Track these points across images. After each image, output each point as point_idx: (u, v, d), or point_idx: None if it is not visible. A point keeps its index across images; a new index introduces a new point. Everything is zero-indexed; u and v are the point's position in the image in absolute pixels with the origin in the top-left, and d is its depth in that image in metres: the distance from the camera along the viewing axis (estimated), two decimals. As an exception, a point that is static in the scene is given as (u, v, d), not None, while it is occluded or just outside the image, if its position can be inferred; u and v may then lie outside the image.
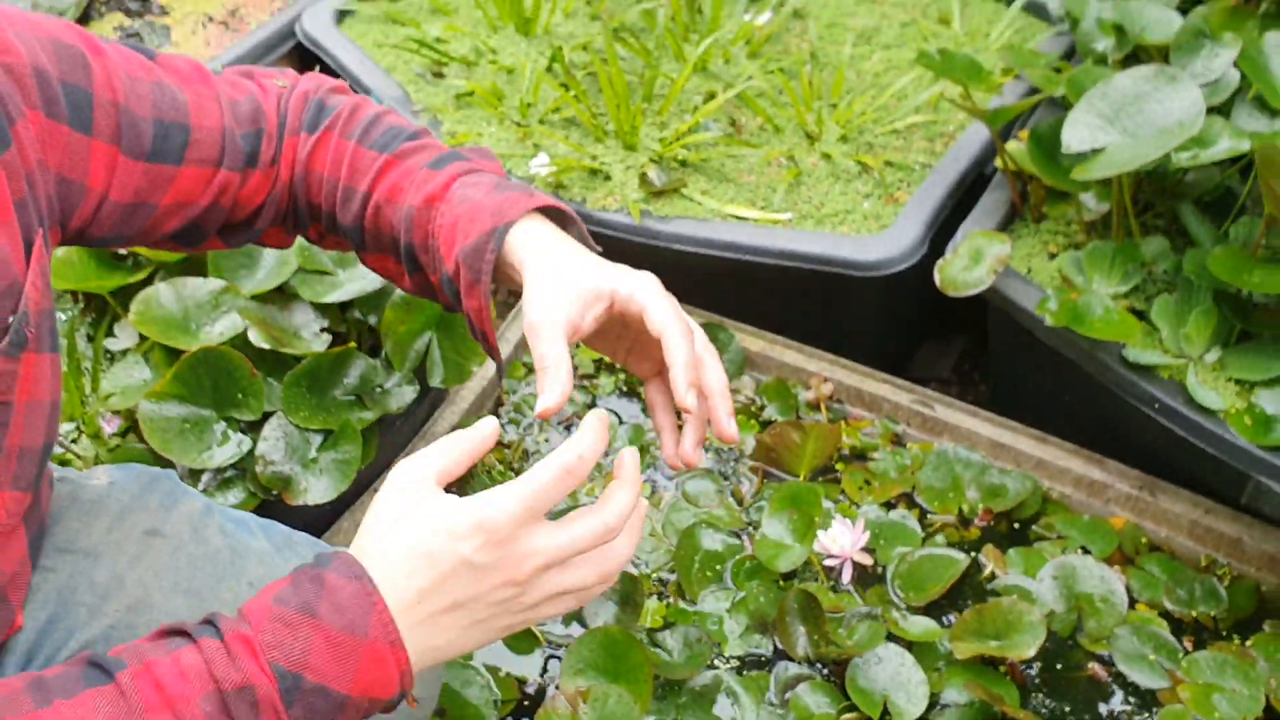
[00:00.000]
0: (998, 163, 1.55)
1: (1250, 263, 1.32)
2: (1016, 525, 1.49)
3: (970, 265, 1.43)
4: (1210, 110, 1.39)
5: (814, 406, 1.59)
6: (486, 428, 0.87)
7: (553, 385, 0.91)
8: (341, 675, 0.80)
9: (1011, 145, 1.54)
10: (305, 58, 1.88)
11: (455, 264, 0.99)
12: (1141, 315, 1.41)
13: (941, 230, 1.54)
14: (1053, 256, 1.49)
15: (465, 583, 0.81)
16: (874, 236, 1.53)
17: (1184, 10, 1.50)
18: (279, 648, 0.79)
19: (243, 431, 1.25)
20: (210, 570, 1.06)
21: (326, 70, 1.81)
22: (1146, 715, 1.31)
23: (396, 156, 1.04)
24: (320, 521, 1.30)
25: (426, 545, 0.81)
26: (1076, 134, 1.33)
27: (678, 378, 0.92)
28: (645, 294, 0.95)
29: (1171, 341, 1.37)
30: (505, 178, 1.05)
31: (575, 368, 1.64)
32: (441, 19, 1.88)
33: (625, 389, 1.63)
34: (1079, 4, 1.57)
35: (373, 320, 1.36)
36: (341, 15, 1.90)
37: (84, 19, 1.91)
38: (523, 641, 1.39)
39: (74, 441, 1.32)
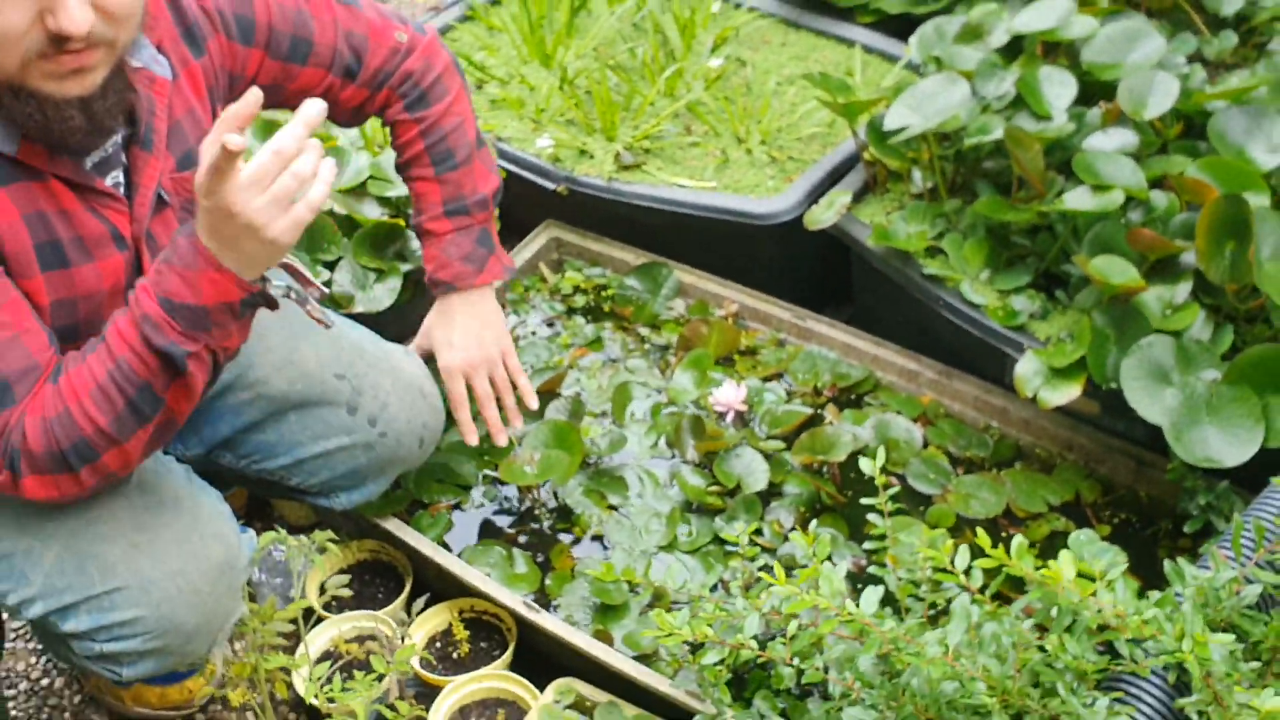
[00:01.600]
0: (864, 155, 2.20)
1: (1006, 206, 1.96)
2: (854, 398, 2.09)
3: (825, 210, 2.08)
4: (1000, 113, 2.04)
5: (724, 320, 2.22)
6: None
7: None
8: (191, 293, 1.28)
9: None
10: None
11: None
12: (941, 251, 2.04)
13: (818, 198, 2.19)
14: (888, 214, 2.13)
15: (218, 219, 1.24)
16: (769, 198, 2.19)
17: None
18: (156, 286, 1.29)
19: (325, 267, 1.91)
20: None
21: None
22: (922, 508, 1.90)
23: (438, 181, 1.74)
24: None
25: (202, 209, 1.27)
26: (892, 118, 2.00)
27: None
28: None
29: (956, 262, 1.99)
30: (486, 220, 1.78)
31: (557, 291, 2.30)
32: (487, 53, 2.59)
33: (593, 304, 2.28)
34: (927, 54, 2.24)
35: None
36: (415, 48, 2.62)
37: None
38: (503, 452, 2.01)
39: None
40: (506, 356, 1.78)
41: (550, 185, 2.29)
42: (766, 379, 2.11)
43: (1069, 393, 1.78)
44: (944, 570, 1.45)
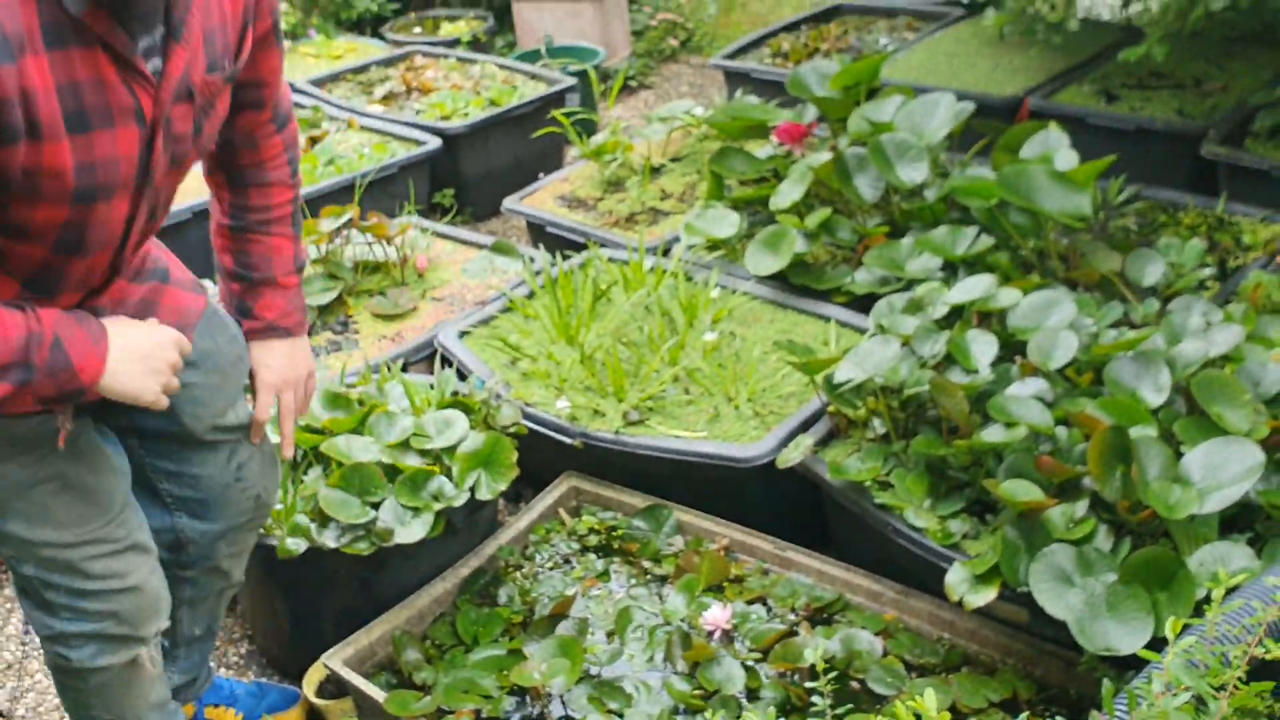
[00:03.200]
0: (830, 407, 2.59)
1: (940, 443, 2.32)
2: (826, 617, 2.40)
3: (793, 451, 2.45)
4: (934, 369, 2.44)
5: (715, 552, 2.56)
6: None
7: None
8: (77, 355, 1.60)
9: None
10: (442, 359, 3.05)
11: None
12: (891, 484, 2.39)
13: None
14: (849, 455, 2.50)
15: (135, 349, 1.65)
16: (750, 444, 2.57)
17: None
18: (60, 326, 1.59)
19: (372, 507, 2.32)
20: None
21: (454, 365, 2.96)
22: (879, 706, 2.17)
23: (293, 240, 2.02)
24: (418, 570, 2.33)
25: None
26: (840, 372, 2.40)
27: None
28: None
29: (902, 493, 2.34)
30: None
31: (574, 533, 2.66)
32: (521, 335, 3.07)
33: (605, 543, 2.64)
34: (878, 323, 2.66)
35: (450, 461, 2.44)
36: (462, 334, 3.10)
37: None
38: (519, 663, 2.34)
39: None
40: (310, 380, 2.10)
41: (568, 440, 2.70)
42: (751, 602, 2.44)
43: (988, 595, 2.08)
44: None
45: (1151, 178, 3.64)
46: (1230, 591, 1.88)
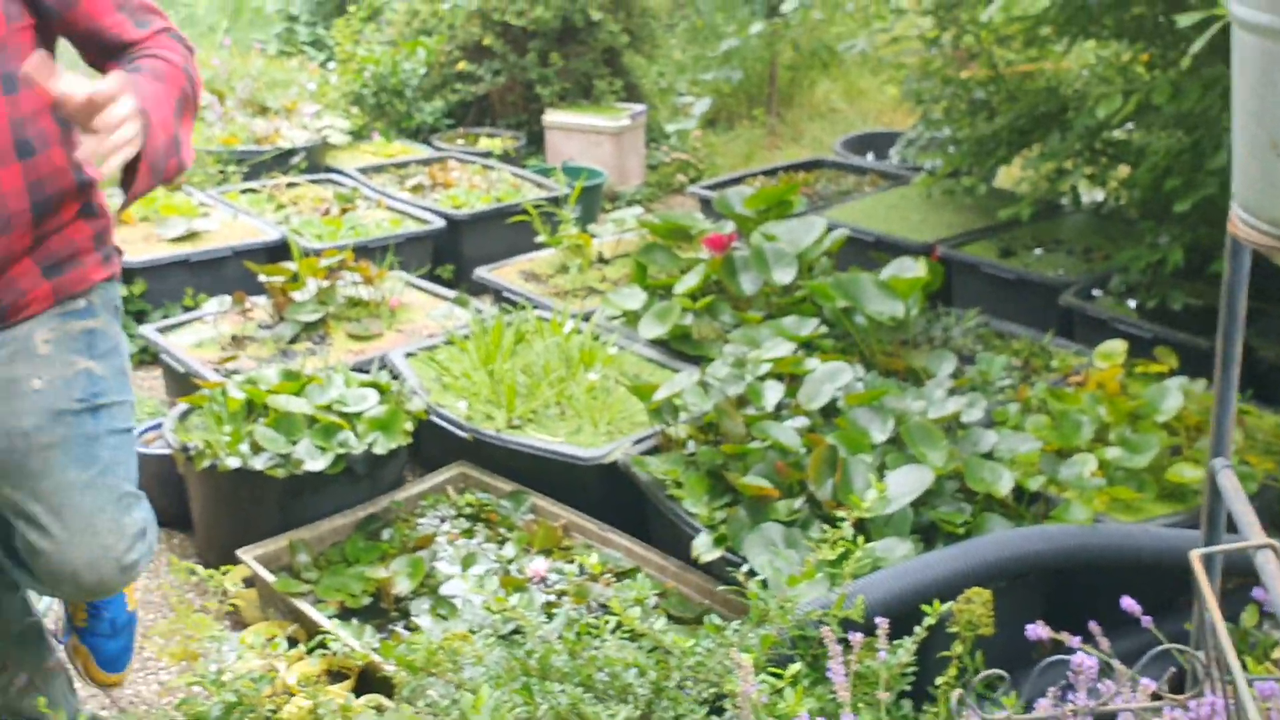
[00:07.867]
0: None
1: (718, 454, 3.05)
2: (622, 579, 3.10)
3: (618, 453, 3.20)
4: (733, 402, 3.18)
5: (553, 527, 3.28)
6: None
7: None
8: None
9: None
10: (388, 370, 3.85)
11: None
12: (682, 484, 3.12)
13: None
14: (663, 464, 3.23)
15: None
16: (593, 449, 3.32)
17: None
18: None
19: (293, 445, 3.10)
20: None
21: (393, 374, 3.76)
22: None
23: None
24: (326, 506, 3.11)
25: None
26: (658, 394, 3.15)
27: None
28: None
29: (688, 490, 3.07)
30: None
31: (455, 505, 3.41)
32: (450, 360, 3.87)
33: (476, 514, 3.38)
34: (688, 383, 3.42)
35: (358, 424, 3.23)
36: (409, 355, 3.91)
37: (294, 339, 4.01)
38: (387, 581, 3.07)
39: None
40: (136, 137, 1.94)
41: (462, 434, 3.47)
42: (569, 563, 3.16)
43: (718, 552, 2.79)
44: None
45: (1024, 319, 4.38)
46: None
